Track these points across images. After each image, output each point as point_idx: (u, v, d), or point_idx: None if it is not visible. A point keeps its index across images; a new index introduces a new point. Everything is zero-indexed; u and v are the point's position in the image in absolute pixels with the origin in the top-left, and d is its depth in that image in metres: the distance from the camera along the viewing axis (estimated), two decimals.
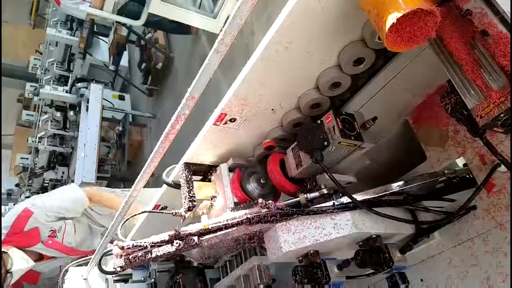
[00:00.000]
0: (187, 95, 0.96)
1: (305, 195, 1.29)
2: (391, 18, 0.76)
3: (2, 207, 4.32)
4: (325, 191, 1.29)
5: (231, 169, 1.46)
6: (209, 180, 1.53)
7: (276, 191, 1.44)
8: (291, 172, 1.37)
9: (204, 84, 0.92)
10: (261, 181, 1.42)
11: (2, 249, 2.26)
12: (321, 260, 1.26)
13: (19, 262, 2.26)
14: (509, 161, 1.06)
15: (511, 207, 1.16)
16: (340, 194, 1.26)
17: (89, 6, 4.08)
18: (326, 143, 1.20)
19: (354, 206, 1.21)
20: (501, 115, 0.76)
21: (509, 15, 0.68)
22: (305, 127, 1.33)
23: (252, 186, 1.40)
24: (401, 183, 1.27)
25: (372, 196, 1.25)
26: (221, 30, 0.81)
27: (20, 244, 2.39)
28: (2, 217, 2.49)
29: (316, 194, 1.29)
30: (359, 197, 1.23)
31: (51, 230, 2.48)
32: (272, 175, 1.40)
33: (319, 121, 1.25)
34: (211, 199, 1.44)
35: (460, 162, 1.29)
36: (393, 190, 1.26)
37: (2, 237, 2.35)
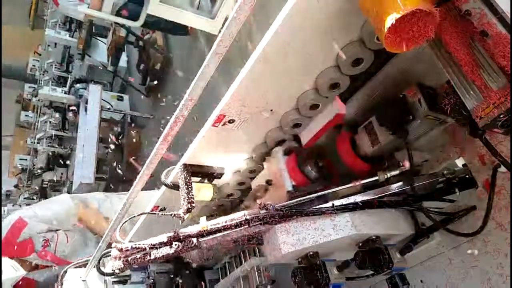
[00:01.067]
0: (186, 97, 0.96)
1: (385, 174, 1.24)
2: (390, 19, 0.75)
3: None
4: (407, 167, 1.22)
5: (285, 153, 1.46)
6: (208, 181, 1.52)
7: (332, 174, 1.42)
8: (365, 150, 1.32)
9: (203, 86, 0.92)
10: (318, 164, 1.40)
11: None
12: (321, 261, 1.25)
13: (9, 272, 2.23)
14: (509, 161, 1.06)
15: (511, 208, 1.15)
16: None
17: (88, 7, 4.07)
18: (411, 117, 1.15)
19: (353, 207, 1.21)
20: (501, 116, 0.76)
21: (508, 15, 0.68)
22: (386, 101, 1.27)
23: (308, 168, 1.39)
24: (401, 183, 1.27)
25: (372, 197, 1.24)
26: (219, 31, 0.81)
27: (14, 254, 2.38)
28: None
29: (396, 171, 1.24)
30: (358, 198, 1.23)
31: (44, 240, 2.48)
32: (343, 155, 1.36)
33: (401, 95, 1.19)
34: (267, 183, 1.44)
35: (459, 162, 1.29)
36: (393, 191, 1.26)
37: None
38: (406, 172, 1.22)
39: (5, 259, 2.28)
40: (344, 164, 1.36)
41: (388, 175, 1.24)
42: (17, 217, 2.44)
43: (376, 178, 1.25)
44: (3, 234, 2.38)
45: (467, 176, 1.26)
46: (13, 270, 2.26)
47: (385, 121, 1.23)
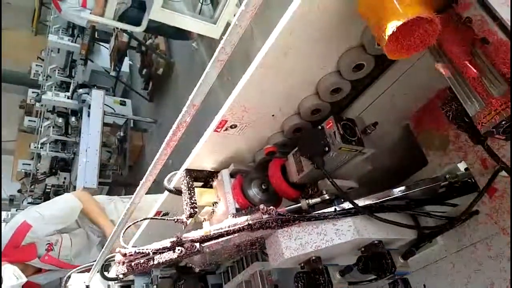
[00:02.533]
0: (188, 103, 0.96)
1: (307, 201, 1.29)
2: (391, 27, 0.76)
3: (5, 212, 4.33)
4: (326, 196, 1.29)
5: (232, 175, 1.46)
6: (211, 186, 1.53)
7: (278, 197, 1.44)
8: (292, 178, 1.37)
9: (205, 92, 0.93)
10: (263, 186, 1.42)
11: None
12: (323, 266, 1.25)
13: (11, 279, 2.22)
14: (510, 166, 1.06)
15: (511, 212, 1.16)
16: (342, 200, 1.25)
17: (90, 13, 4.10)
18: (327, 148, 1.20)
19: (356, 211, 1.21)
20: (502, 123, 0.76)
21: (508, 22, 0.68)
22: (306, 132, 1.33)
23: (253, 192, 1.40)
24: (403, 188, 1.27)
25: (373, 202, 1.25)
26: (221, 36, 0.82)
27: (16, 259, 2.37)
28: (4, 225, 2.49)
29: (317, 199, 1.29)
30: (361, 202, 1.23)
31: (47, 244, 2.47)
32: (273, 181, 1.40)
33: (320, 127, 1.25)
34: (213, 205, 1.44)
35: (461, 166, 1.29)
36: (395, 195, 1.26)
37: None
38: (327, 201, 1.27)
39: (7, 266, 2.27)
40: (276, 190, 1.40)
41: (310, 202, 1.28)
42: (21, 221, 2.43)
43: (300, 205, 1.29)
44: (8, 238, 2.38)
45: (470, 180, 1.26)
46: (14, 278, 2.26)
47: (304, 151, 1.28)
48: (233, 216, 1.32)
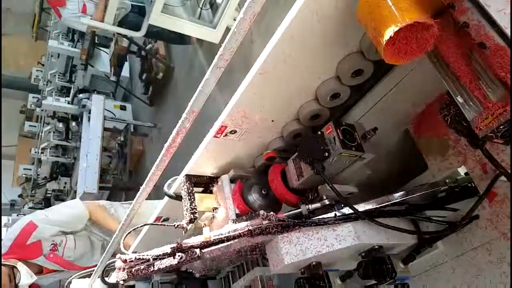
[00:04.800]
0: (188, 109, 0.97)
1: (307, 206, 1.29)
2: (388, 32, 0.76)
3: (5, 217, 4.37)
4: (326, 202, 1.28)
5: (232, 180, 1.46)
6: (211, 192, 1.53)
7: (278, 202, 1.44)
8: (292, 183, 1.37)
9: (204, 99, 0.93)
10: (263, 192, 1.42)
11: (10, 262, 2.31)
12: (324, 271, 1.25)
13: (25, 276, 2.30)
14: (510, 171, 1.06)
15: (511, 216, 1.15)
16: (342, 205, 1.25)
17: (90, 18, 4.11)
18: (327, 154, 1.20)
19: (356, 217, 1.21)
20: (501, 127, 0.76)
21: (506, 29, 0.69)
22: (305, 138, 1.33)
23: (253, 197, 1.40)
24: (402, 193, 1.27)
25: (374, 207, 1.25)
26: (220, 40, 0.82)
27: (23, 256, 2.44)
28: (7, 230, 2.54)
29: (317, 205, 1.29)
30: (360, 207, 1.23)
31: (52, 244, 2.52)
32: (273, 186, 1.40)
33: (319, 132, 1.25)
34: (213, 210, 1.44)
35: (461, 171, 1.29)
36: (395, 200, 1.26)
37: (6, 250, 2.39)
38: (327, 206, 1.27)
39: (20, 264, 2.35)
40: (276, 196, 1.40)
41: (311, 207, 1.28)
42: (28, 220, 2.50)
43: (300, 210, 1.29)
44: (15, 235, 2.44)
45: (470, 185, 1.26)
46: (29, 276, 2.33)
47: (304, 157, 1.28)
48: (233, 222, 1.32)
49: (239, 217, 1.35)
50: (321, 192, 1.32)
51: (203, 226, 1.41)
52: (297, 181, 1.34)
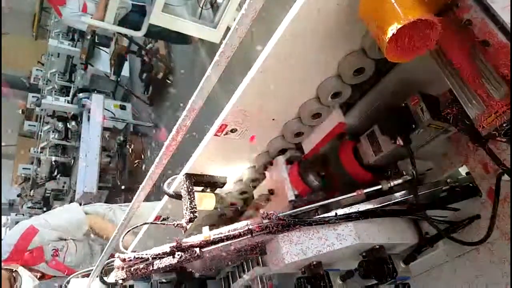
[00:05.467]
0: (188, 107, 0.96)
1: (388, 183, 1.24)
2: (391, 29, 0.76)
3: (4, 217, 4.37)
4: (408, 177, 1.23)
5: (288, 162, 1.45)
6: (211, 191, 1.52)
7: (336, 184, 1.41)
8: (368, 159, 1.31)
9: (205, 96, 0.92)
10: (321, 173, 1.40)
11: (11, 266, 2.28)
12: (324, 271, 1.24)
13: (27, 281, 2.27)
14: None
15: (511, 216, 1.15)
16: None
17: (91, 17, 4.11)
18: (414, 125, 1.15)
19: (356, 216, 1.20)
20: (504, 125, 0.75)
21: (509, 25, 0.68)
22: (387, 111, 1.26)
23: (312, 178, 1.38)
24: (404, 192, 1.27)
25: (375, 206, 1.24)
26: (221, 40, 0.81)
27: (25, 262, 2.40)
28: (6, 230, 2.53)
29: (399, 180, 1.24)
30: (362, 207, 1.23)
31: (53, 249, 2.50)
32: (346, 164, 1.35)
33: (403, 104, 1.19)
34: (269, 192, 1.44)
35: (462, 170, 1.28)
36: (397, 200, 1.25)
37: (6, 255, 2.36)
38: (409, 181, 1.22)
39: (22, 269, 2.32)
40: (347, 173, 1.35)
41: (392, 184, 1.23)
42: (28, 225, 2.47)
43: (379, 187, 1.24)
44: (15, 240, 2.41)
45: (471, 184, 1.26)
46: (31, 280, 2.30)
47: (388, 130, 1.22)
48: (292, 203, 1.32)
49: (298, 198, 1.34)
50: (401, 167, 1.26)
51: (260, 207, 1.42)
52: (374, 156, 1.28)
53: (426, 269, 1.39)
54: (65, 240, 2.62)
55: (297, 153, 1.46)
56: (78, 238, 2.71)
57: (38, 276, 2.49)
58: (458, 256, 1.29)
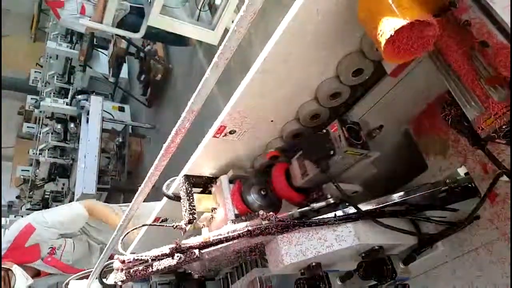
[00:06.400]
0: (187, 108, 0.96)
1: (312, 205, 1.27)
2: (389, 30, 0.76)
3: (3, 218, 4.36)
4: (331, 200, 1.26)
5: (231, 181, 1.45)
6: (209, 192, 1.52)
7: (277, 203, 1.43)
8: (296, 182, 1.35)
9: (204, 98, 0.92)
10: (262, 192, 1.40)
11: (5, 265, 2.27)
12: (324, 272, 1.24)
13: (21, 279, 2.26)
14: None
15: (511, 217, 1.15)
16: (347, 204, 1.24)
17: (89, 19, 4.10)
18: (332, 152, 1.18)
19: (356, 217, 1.20)
20: (503, 127, 0.75)
21: (508, 25, 0.68)
22: (310, 136, 1.31)
23: (252, 198, 1.38)
24: (402, 193, 1.27)
25: (374, 207, 1.24)
26: (219, 42, 0.81)
27: (20, 260, 2.40)
28: (5, 231, 2.52)
29: (322, 203, 1.27)
30: (361, 208, 1.22)
31: (50, 247, 2.49)
32: (277, 185, 1.38)
33: (324, 130, 1.23)
34: (212, 211, 1.43)
35: (461, 171, 1.29)
36: (395, 201, 1.25)
37: (4, 252, 2.36)
38: (332, 205, 1.26)
39: (16, 267, 2.31)
40: (280, 195, 1.39)
41: (315, 206, 1.27)
42: (26, 222, 2.47)
43: (304, 209, 1.27)
44: (12, 238, 2.41)
45: (470, 185, 1.26)
46: (24, 279, 2.29)
47: (309, 155, 1.27)
48: (232, 222, 1.31)
49: (238, 218, 1.34)
50: (326, 190, 1.30)
51: (202, 227, 1.40)
52: (302, 179, 1.32)
53: (426, 269, 1.39)
54: (64, 237, 2.61)
55: (239, 172, 1.46)
56: (75, 232, 2.70)
57: (32, 275, 2.48)
58: (457, 257, 1.29)
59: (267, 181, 1.43)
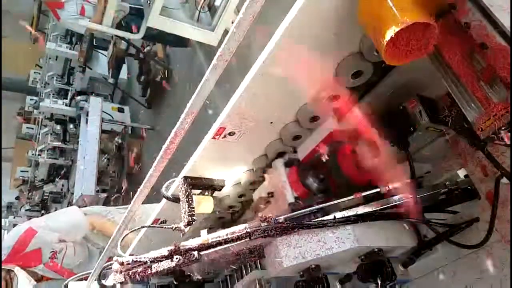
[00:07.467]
0: (186, 110, 0.95)
1: (386, 186, 1.23)
2: (389, 32, 0.76)
3: (2, 220, 4.37)
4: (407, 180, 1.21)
5: (286, 165, 1.44)
6: (209, 194, 1.51)
7: (333, 185, 1.40)
8: (366, 163, 1.28)
9: (203, 100, 0.92)
10: (320, 176, 1.39)
11: (8, 268, 2.27)
12: (323, 274, 1.24)
13: (24, 282, 2.27)
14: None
15: (511, 219, 1.14)
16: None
17: (89, 20, 4.10)
18: (412, 128, 1.14)
19: (355, 219, 1.20)
20: (502, 128, 0.75)
21: (508, 28, 0.68)
22: (387, 113, 1.25)
23: (311, 181, 1.38)
24: (402, 195, 1.26)
25: (374, 209, 1.23)
26: (219, 43, 0.81)
27: (23, 264, 2.40)
28: (4, 233, 2.53)
29: (397, 183, 1.22)
30: (361, 209, 1.22)
31: (52, 252, 2.49)
32: (344, 167, 1.34)
33: (401, 107, 1.18)
34: (269, 195, 1.43)
35: (461, 173, 1.28)
36: (395, 203, 1.25)
37: (5, 257, 2.36)
38: (407, 184, 1.21)
39: (19, 269, 2.31)
40: (346, 177, 1.34)
41: (390, 187, 1.23)
42: (26, 226, 2.47)
43: (378, 190, 1.23)
44: (13, 242, 2.41)
45: (470, 187, 1.26)
46: (26, 281, 2.29)
47: (385, 133, 1.21)
48: (291, 205, 1.31)
49: (297, 200, 1.34)
50: None
51: (258, 211, 1.42)
52: (373, 160, 1.26)
53: (425, 272, 1.39)
54: (65, 242, 2.61)
55: (295, 155, 1.45)
56: (78, 240, 2.70)
57: (35, 279, 2.48)
58: (457, 259, 1.29)
59: (323, 165, 1.40)
